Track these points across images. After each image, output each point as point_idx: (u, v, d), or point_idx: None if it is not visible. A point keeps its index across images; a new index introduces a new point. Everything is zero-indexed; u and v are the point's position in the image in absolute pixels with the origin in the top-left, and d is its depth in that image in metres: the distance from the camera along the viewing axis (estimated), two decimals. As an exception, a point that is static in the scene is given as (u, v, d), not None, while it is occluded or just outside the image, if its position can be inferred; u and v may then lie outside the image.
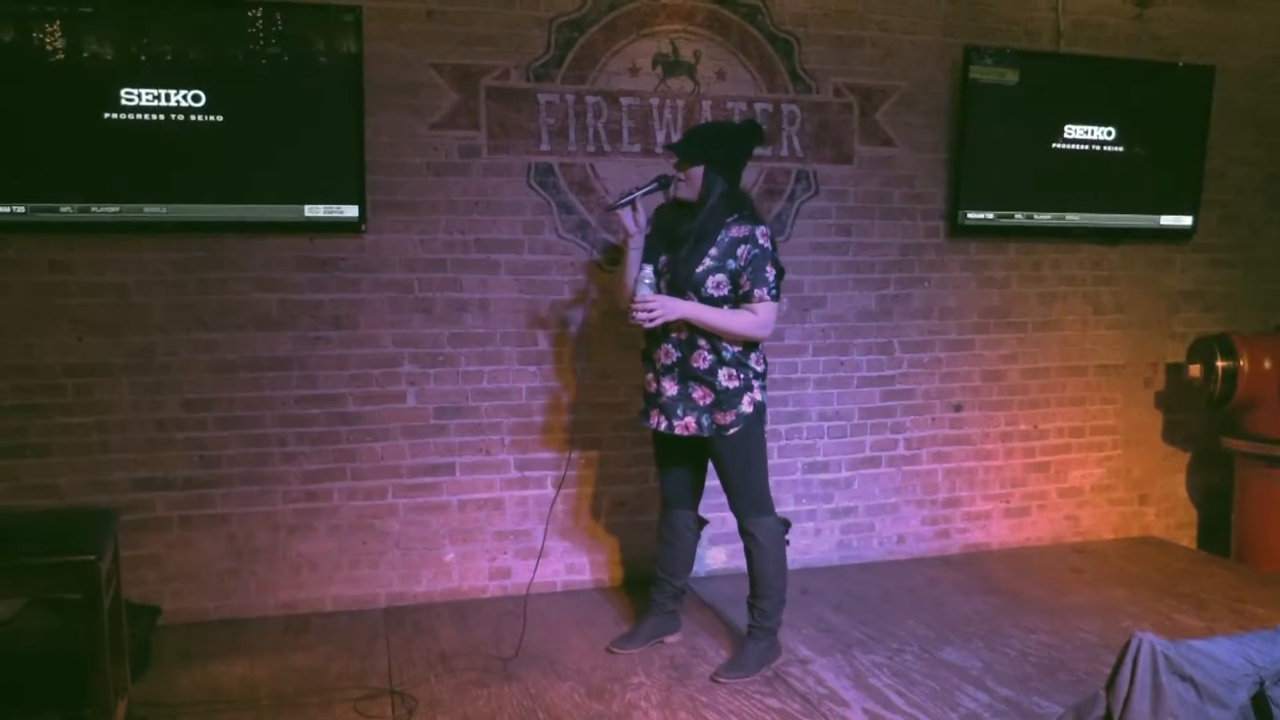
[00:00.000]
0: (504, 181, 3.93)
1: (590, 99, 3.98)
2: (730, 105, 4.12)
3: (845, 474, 4.46)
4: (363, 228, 3.74)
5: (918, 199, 4.43)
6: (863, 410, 4.46)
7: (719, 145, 3.20)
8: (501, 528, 4.04)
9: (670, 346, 3.21)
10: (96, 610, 2.61)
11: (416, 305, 3.88)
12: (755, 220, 3.19)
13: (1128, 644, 2.14)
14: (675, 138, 4.01)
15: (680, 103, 4.07)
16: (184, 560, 3.73)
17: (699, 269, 3.12)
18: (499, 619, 3.77)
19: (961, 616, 3.83)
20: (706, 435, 3.21)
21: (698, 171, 3.16)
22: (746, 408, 3.19)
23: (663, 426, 3.25)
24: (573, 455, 4.04)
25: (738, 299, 3.15)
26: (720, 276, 3.12)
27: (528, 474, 4.04)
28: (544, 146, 3.95)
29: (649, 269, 3.12)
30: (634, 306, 3.09)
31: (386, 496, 3.91)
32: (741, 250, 3.12)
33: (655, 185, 3.29)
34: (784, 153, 4.22)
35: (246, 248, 3.70)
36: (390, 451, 3.90)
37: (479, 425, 3.98)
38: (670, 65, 4.06)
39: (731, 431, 3.18)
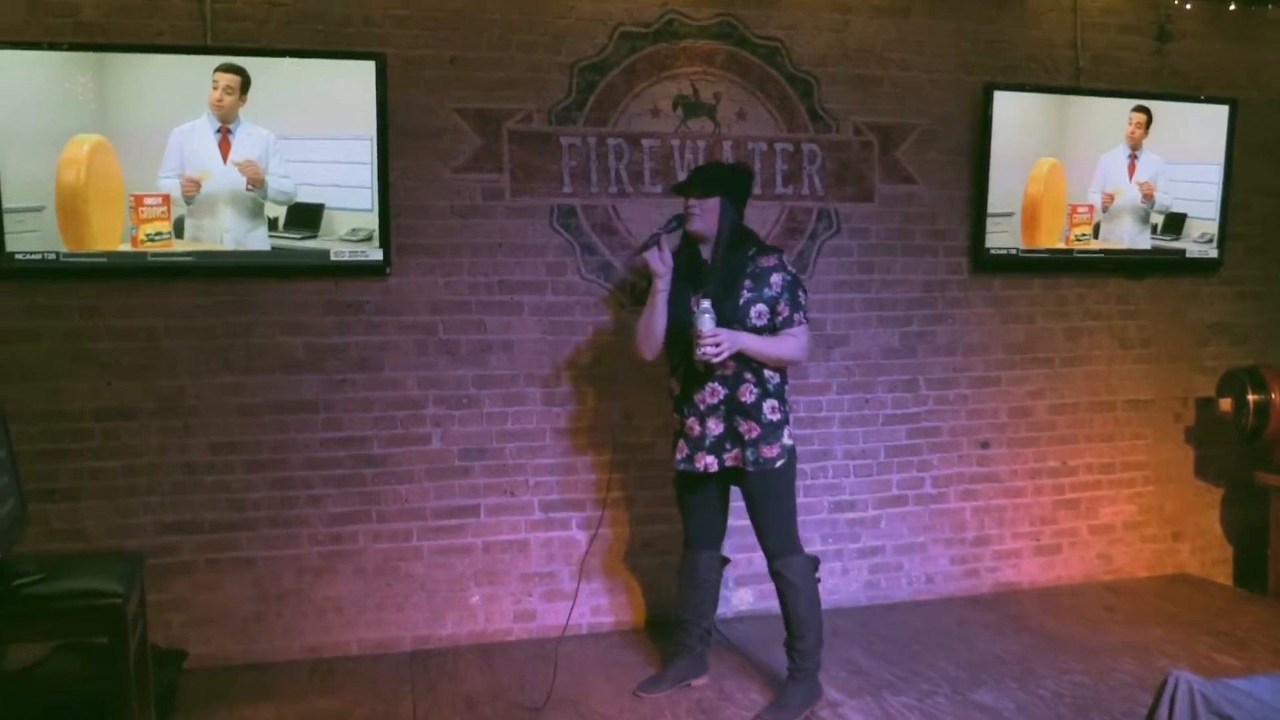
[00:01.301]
0: (527, 223, 3.96)
1: (612, 141, 4.02)
2: (751, 145, 4.15)
3: (872, 513, 4.42)
4: (387, 271, 3.78)
5: (940, 235, 4.42)
6: (889, 448, 4.43)
7: (729, 179, 3.29)
8: (526, 570, 4.02)
9: (716, 385, 3.20)
10: (123, 654, 2.62)
11: (441, 347, 3.90)
12: (774, 249, 3.32)
13: (1164, 682, 2.10)
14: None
15: (701, 143, 4.10)
16: (210, 604, 3.73)
17: (740, 302, 3.17)
18: (525, 662, 3.74)
19: (993, 657, 3.76)
20: (751, 469, 3.20)
21: (713, 204, 3.21)
22: (787, 440, 3.24)
23: (714, 467, 3.22)
24: (606, 501, 4.02)
25: (775, 327, 3.20)
26: (760, 306, 3.18)
27: (552, 515, 4.03)
28: (566, 188, 3.99)
29: (707, 303, 3.10)
30: (701, 341, 3.07)
31: (411, 539, 3.90)
32: (775, 278, 3.19)
33: (676, 223, 3.31)
34: (805, 191, 4.23)
35: (273, 291, 3.74)
36: (415, 494, 3.90)
37: (503, 467, 3.98)
38: (691, 107, 4.09)
39: (778, 465, 3.20)
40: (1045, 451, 4.65)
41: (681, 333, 3.19)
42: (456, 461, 3.93)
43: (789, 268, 3.24)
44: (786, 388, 3.29)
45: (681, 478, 3.38)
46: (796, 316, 3.19)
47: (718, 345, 3.07)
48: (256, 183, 3.60)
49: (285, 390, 3.77)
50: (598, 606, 4.09)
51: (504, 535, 3.99)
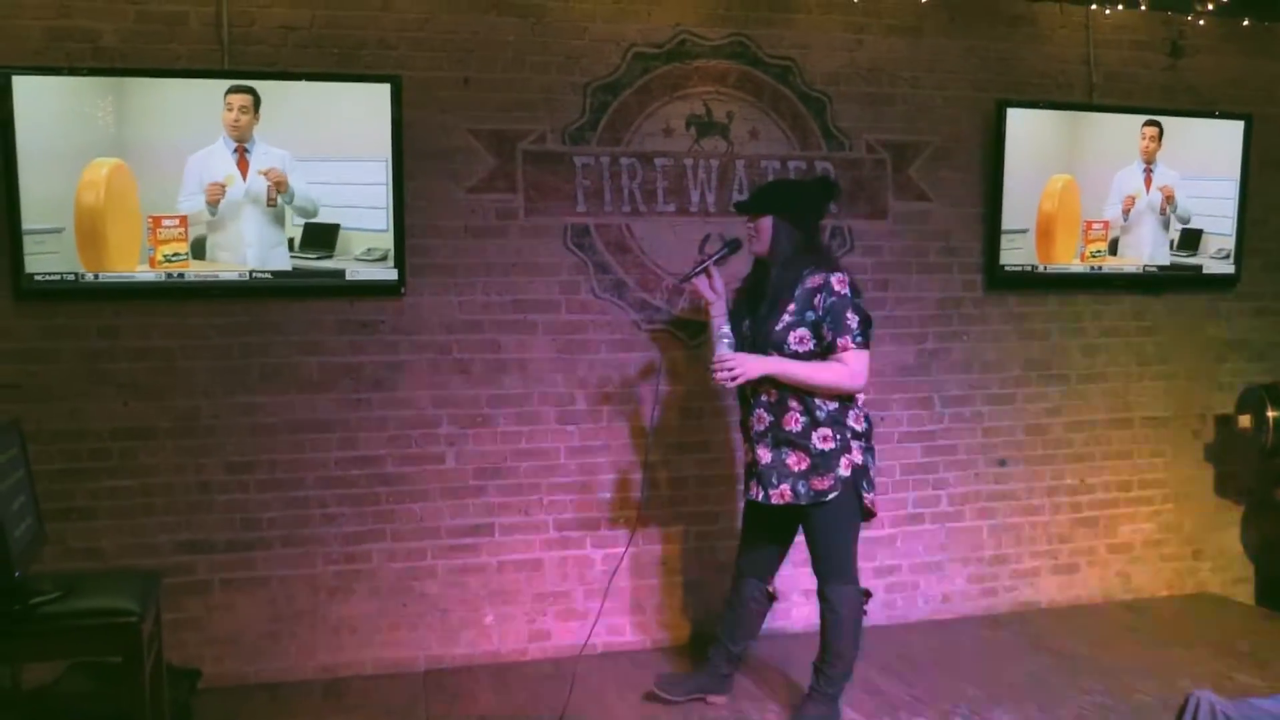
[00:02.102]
0: (541, 243, 3.97)
1: (625, 160, 4.03)
2: (764, 164, 4.16)
3: (888, 531, 4.39)
4: (402, 290, 3.79)
5: (954, 252, 4.42)
6: (904, 466, 4.40)
7: (786, 197, 3.21)
8: (541, 589, 4.01)
9: (762, 411, 3.14)
10: (138, 673, 2.62)
11: (455, 366, 3.91)
12: (831, 267, 3.11)
13: (1185, 702, 2.07)
14: (710, 197, 4.07)
15: (714, 162, 4.11)
16: (225, 623, 3.73)
17: (778, 326, 3.06)
18: (539, 682, 3.72)
19: (1012, 677, 3.72)
20: (803, 504, 3.10)
21: (766, 223, 3.15)
22: (844, 471, 3.08)
23: (760, 497, 3.16)
24: (638, 517, 4.02)
25: (824, 351, 3.05)
26: (802, 331, 3.05)
27: (567, 534, 4.02)
28: (580, 208, 4.00)
29: (727, 327, 3.10)
30: (714, 367, 3.05)
31: (426, 558, 3.90)
32: (819, 300, 3.04)
33: (726, 250, 3.33)
34: (833, 204, 4.22)
35: (289, 311, 3.76)
36: (429, 513, 3.90)
37: (518, 486, 3.98)
38: (704, 126, 4.11)
39: (830, 497, 3.08)
40: (1062, 469, 4.61)
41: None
42: (471, 481, 3.93)
43: (838, 287, 3.03)
44: (851, 413, 3.09)
45: (748, 506, 3.35)
46: (841, 341, 2.99)
47: (729, 371, 3.02)
48: (281, 187, 3.62)
49: (300, 410, 3.78)
50: (613, 626, 4.07)
51: (518, 554, 3.98)
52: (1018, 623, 4.37)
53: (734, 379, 3.04)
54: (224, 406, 3.72)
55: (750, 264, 3.37)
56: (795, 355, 3.05)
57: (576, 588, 4.00)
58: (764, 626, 4.11)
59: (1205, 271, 4.65)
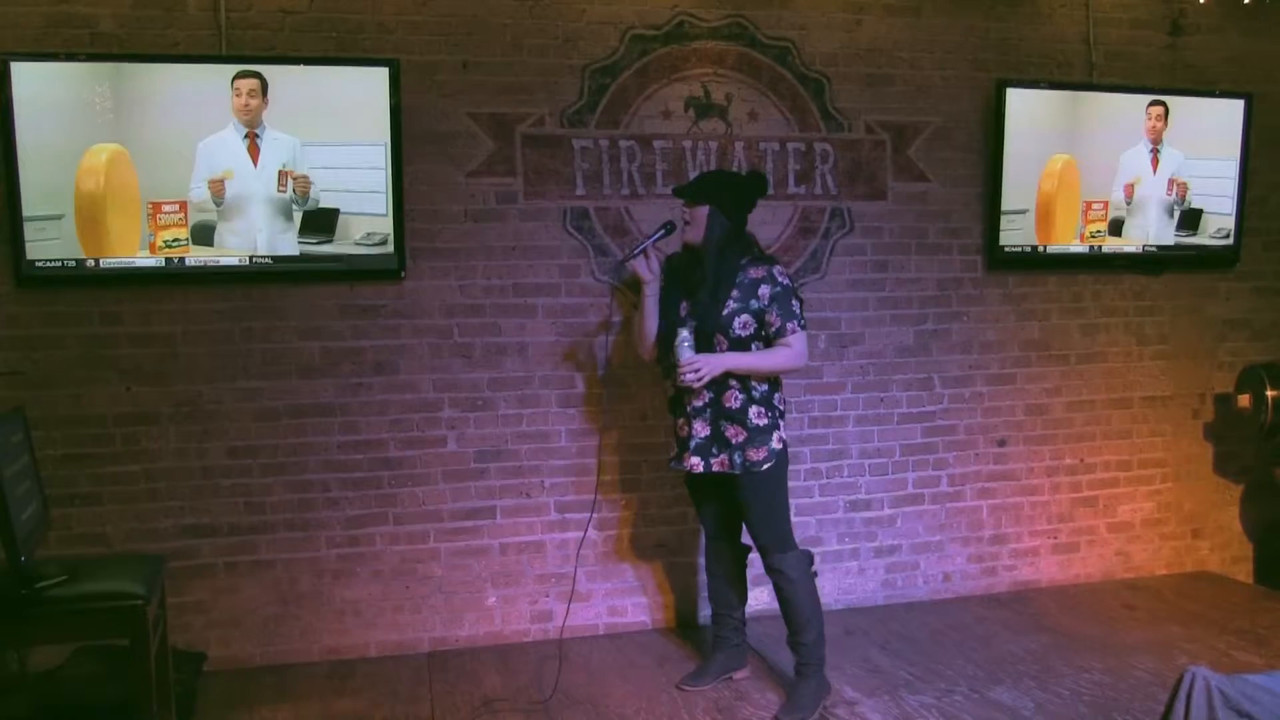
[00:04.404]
0: (540, 226, 3.97)
1: (624, 143, 4.03)
2: (764, 145, 4.15)
3: (888, 511, 4.41)
4: (402, 274, 3.80)
5: (954, 233, 4.41)
6: (904, 447, 4.42)
7: (724, 189, 3.31)
8: (543, 571, 4.03)
9: (702, 389, 3.26)
10: (144, 656, 2.65)
11: (456, 350, 3.92)
12: (769, 260, 3.33)
13: (1181, 678, 2.09)
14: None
15: (713, 145, 4.11)
16: (229, 606, 3.76)
17: (725, 311, 3.21)
18: (541, 662, 3.75)
19: (1011, 656, 3.75)
20: (739, 472, 3.25)
21: (702, 212, 3.25)
22: (776, 444, 3.27)
23: (700, 468, 3.30)
24: (598, 498, 4.04)
25: (768, 337, 3.24)
26: (745, 317, 3.22)
27: (568, 516, 4.04)
28: (579, 191, 4.00)
29: (685, 331, 3.20)
30: (681, 370, 3.17)
31: (428, 541, 3.92)
32: (763, 290, 3.22)
33: (663, 231, 3.44)
34: (818, 191, 4.23)
35: (290, 296, 3.77)
36: (431, 496, 3.92)
37: (519, 468, 4.00)
38: (702, 108, 4.10)
39: (765, 468, 3.23)
40: (1062, 449, 4.63)
41: (671, 338, 3.24)
42: (472, 463, 3.95)
43: (780, 278, 3.23)
44: (776, 395, 3.31)
45: (690, 480, 3.48)
46: (790, 325, 3.21)
47: (697, 372, 3.16)
48: (305, 193, 3.65)
49: (302, 394, 3.80)
50: (614, 608, 4.10)
51: (520, 537, 4.01)
52: (1018, 602, 4.39)
53: (700, 379, 3.17)
54: (226, 391, 3.73)
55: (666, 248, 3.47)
56: (739, 339, 3.21)
57: (578, 569, 4.03)
58: (763, 606, 4.15)
59: (1206, 251, 4.64)
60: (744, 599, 3.57)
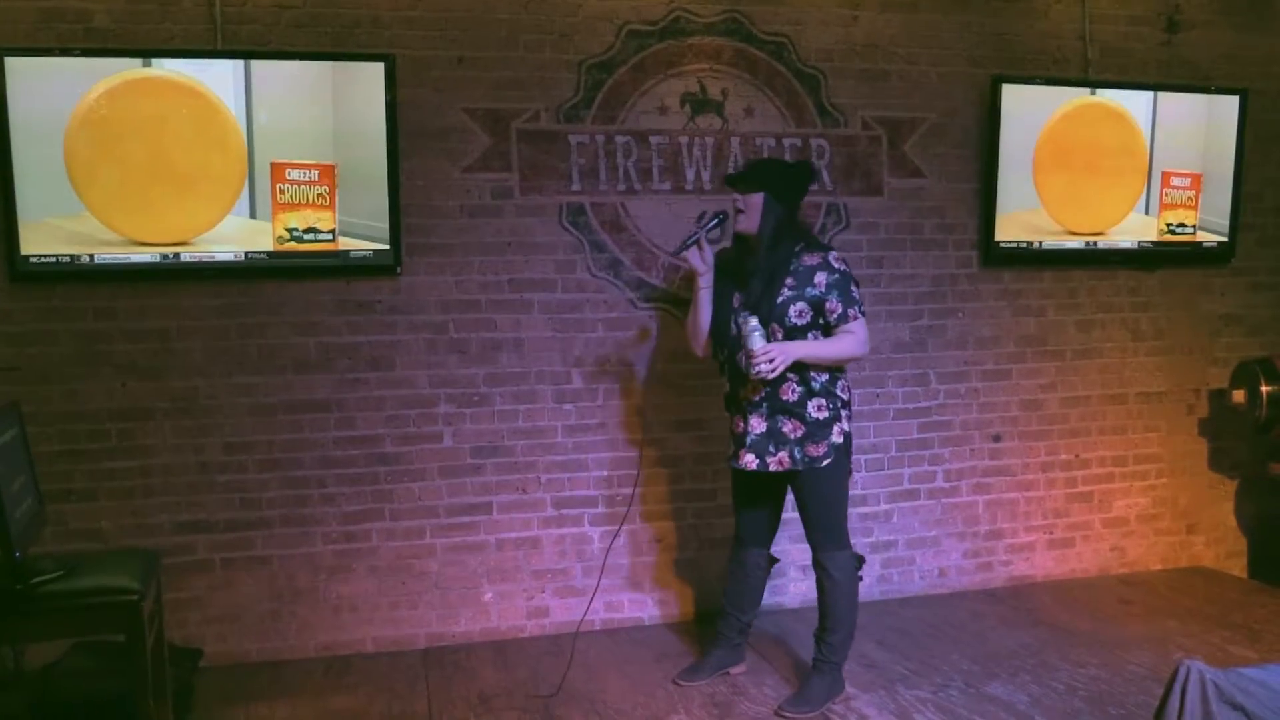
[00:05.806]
0: (536, 222, 3.97)
1: (620, 139, 4.03)
2: (759, 141, 4.15)
3: (884, 507, 4.42)
4: (398, 270, 3.80)
5: (949, 229, 4.42)
6: (900, 443, 4.42)
7: (778, 176, 3.25)
8: (539, 567, 4.03)
9: (758, 382, 3.19)
10: (140, 651, 2.65)
11: (452, 346, 3.92)
12: (824, 247, 3.28)
13: (1175, 672, 2.09)
14: (705, 175, 4.06)
15: (709, 140, 4.11)
16: (225, 602, 3.76)
17: (779, 300, 3.14)
18: (538, 658, 3.75)
19: (1007, 650, 3.76)
20: (800, 469, 3.20)
21: (757, 200, 3.18)
22: (837, 438, 3.21)
23: (755, 465, 3.22)
24: (636, 490, 4.04)
25: (826, 325, 3.18)
26: (801, 305, 3.15)
27: (564, 512, 4.04)
28: (575, 186, 4.00)
29: (755, 321, 3.10)
30: (754, 359, 3.08)
31: (425, 536, 3.92)
32: (820, 277, 3.15)
33: (717, 221, 3.37)
34: (814, 186, 4.22)
35: (285, 292, 3.76)
36: (427, 492, 3.92)
37: (515, 464, 3.99)
38: (698, 103, 4.10)
39: (825, 463, 3.18)
40: (1057, 445, 4.63)
41: (726, 331, 3.19)
42: (468, 459, 3.95)
43: (837, 265, 3.17)
44: (840, 384, 3.23)
45: (734, 475, 3.40)
46: (850, 312, 3.15)
47: (771, 362, 3.06)
48: None
49: (298, 390, 3.79)
50: (611, 603, 4.10)
51: (516, 532, 4.01)
52: (1013, 597, 4.41)
53: (774, 369, 3.07)
54: (221, 387, 3.72)
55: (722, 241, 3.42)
56: (794, 328, 3.15)
57: (574, 565, 4.03)
58: (771, 602, 4.16)
59: (1200, 247, 4.65)
60: (756, 606, 3.54)
